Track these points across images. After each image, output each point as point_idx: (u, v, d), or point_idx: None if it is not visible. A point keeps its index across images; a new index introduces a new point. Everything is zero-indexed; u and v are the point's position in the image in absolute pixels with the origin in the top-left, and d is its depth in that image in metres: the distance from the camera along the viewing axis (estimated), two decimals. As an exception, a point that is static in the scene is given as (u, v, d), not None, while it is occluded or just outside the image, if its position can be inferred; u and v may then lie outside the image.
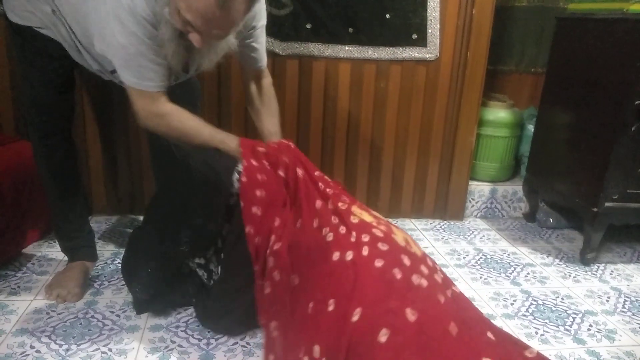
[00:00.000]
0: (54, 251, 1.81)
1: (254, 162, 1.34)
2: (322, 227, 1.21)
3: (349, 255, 1.11)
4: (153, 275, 1.41)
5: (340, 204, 1.30)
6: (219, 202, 1.33)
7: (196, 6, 1.13)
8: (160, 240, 1.38)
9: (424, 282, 1.11)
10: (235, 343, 1.37)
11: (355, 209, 1.29)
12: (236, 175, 1.32)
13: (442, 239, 2.18)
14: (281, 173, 1.35)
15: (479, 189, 2.42)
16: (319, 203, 1.29)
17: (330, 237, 1.18)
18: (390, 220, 1.35)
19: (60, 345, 1.32)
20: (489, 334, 1.13)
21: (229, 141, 1.38)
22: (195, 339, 1.38)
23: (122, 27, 1.22)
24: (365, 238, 1.16)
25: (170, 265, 1.43)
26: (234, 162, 1.34)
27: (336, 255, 1.12)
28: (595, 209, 1.91)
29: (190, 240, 1.39)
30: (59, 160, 1.56)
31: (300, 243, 1.22)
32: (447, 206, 2.36)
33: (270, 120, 1.63)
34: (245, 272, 1.32)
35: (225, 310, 1.37)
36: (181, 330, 1.41)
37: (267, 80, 1.65)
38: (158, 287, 1.42)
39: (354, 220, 1.22)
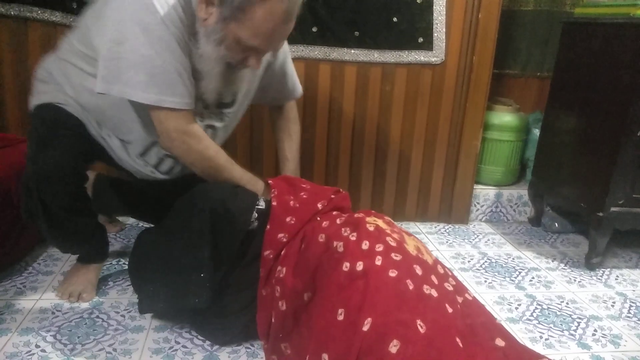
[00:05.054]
0: (59, 251, 1.82)
1: (287, 197, 1.35)
2: (332, 240, 1.20)
3: (360, 266, 1.10)
4: (166, 294, 1.38)
5: (356, 215, 1.31)
6: (233, 238, 1.31)
7: (264, 29, 1.16)
8: (172, 252, 1.36)
9: (434, 293, 1.10)
10: (240, 344, 1.38)
11: (369, 218, 1.29)
12: (255, 215, 1.31)
13: (447, 242, 2.18)
14: (319, 205, 1.34)
15: (484, 193, 2.42)
16: (326, 223, 1.29)
17: (340, 247, 1.17)
18: (394, 223, 1.35)
19: (65, 345, 1.32)
20: (498, 340, 1.13)
21: (255, 182, 1.38)
22: (200, 339, 1.38)
23: (146, 34, 1.15)
24: (379, 248, 1.15)
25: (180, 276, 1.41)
26: (254, 199, 1.32)
27: (346, 266, 1.12)
28: (600, 214, 1.90)
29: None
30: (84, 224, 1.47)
31: (308, 259, 1.22)
32: (452, 210, 2.36)
33: (288, 145, 1.65)
34: (246, 294, 1.33)
35: (223, 327, 1.37)
36: (185, 331, 1.41)
37: (291, 103, 1.68)
38: (165, 293, 1.41)
39: (369, 228, 1.21)
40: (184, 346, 1.35)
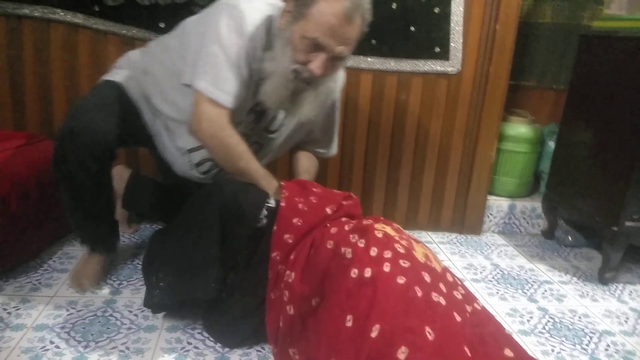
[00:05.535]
0: (74, 249, 1.85)
1: (297, 199, 1.36)
2: (340, 246, 1.21)
3: (368, 272, 1.11)
4: (172, 284, 1.40)
5: (364, 222, 1.31)
6: (241, 234, 1.33)
7: (324, 22, 1.27)
8: (182, 244, 1.38)
9: (442, 300, 1.10)
10: (251, 347, 1.38)
11: (378, 225, 1.29)
12: (264, 212, 1.32)
13: (459, 252, 2.17)
14: (329, 210, 1.35)
15: (498, 204, 2.41)
16: (334, 229, 1.29)
17: (349, 254, 1.17)
18: (407, 232, 1.35)
19: (79, 342, 1.34)
20: (507, 351, 1.12)
21: (270, 179, 1.42)
22: (211, 341, 1.39)
23: (223, 39, 1.32)
24: (388, 254, 1.15)
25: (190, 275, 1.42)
26: (264, 197, 1.34)
27: (354, 272, 1.12)
28: (615, 228, 1.89)
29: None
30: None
31: (317, 265, 1.22)
32: (465, 220, 2.35)
33: (307, 162, 1.73)
34: (256, 296, 1.33)
35: (233, 329, 1.37)
36: (197, 332, 1.42)
37: None
38: (172, 285, 1.42)
39: (378, 234, 1.22)
40: (195, 347, 1.36)
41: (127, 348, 1.33)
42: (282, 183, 1.41)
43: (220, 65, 1.33)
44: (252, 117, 1.53)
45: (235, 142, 1.38)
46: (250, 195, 1.32)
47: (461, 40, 2.12)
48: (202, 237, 1.30)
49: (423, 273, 1.13)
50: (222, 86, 1.34)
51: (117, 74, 1.59)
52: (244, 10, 1.34)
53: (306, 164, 1.73)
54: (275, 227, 1.30)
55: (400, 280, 1.09)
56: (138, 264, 1.77)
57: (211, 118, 1.35)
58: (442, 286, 1.14)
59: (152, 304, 1.42)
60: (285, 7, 1.36)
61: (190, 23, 1.51)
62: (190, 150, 1.53)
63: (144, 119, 1.57)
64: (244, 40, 1.34)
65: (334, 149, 1.81)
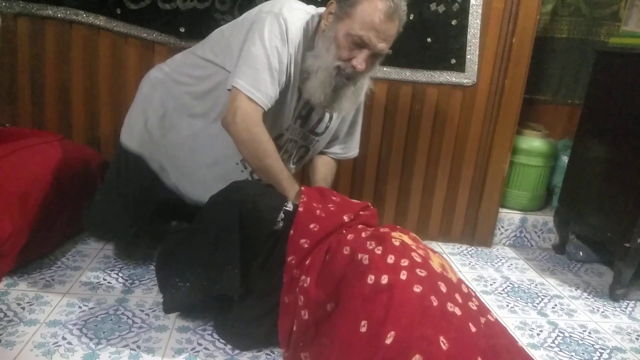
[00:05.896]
0: (88, 248, 1.87)
1: (315, 204, 1.37)
2: (357, 253, 1.21)
3: (385, 279, 1.11)
4: (198, 282, 1.39)
5: (381, 230, 1.32)
6: (258, 235, 1.34)
7: (368, 21, 1.35)
8: (202, 244, 1.39)
9: (458, 311, 1.10)
10: (260, 350, 1.39)
11: (395, 233, 1.30)
12: (281, 215, 1.34)
13: (469, 264, 2.17)
14: (346, 218, 1.36)
15: (509, 217, 2.40)
16: (351, 236, 1.30)
17: (365, 260, 1.18)
18: (420, 239, 1.35)
19: (91, 339, 1.35)
20: None
21: (292, 182, 1.44)
22: (221, 343, 1.40)
23: (266, 41, 1.39)
24: (405, 263, 1.15)
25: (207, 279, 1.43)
26: (282, 200, 1.36)
27: (371, 279, 1.13)
28: (627, 245, 1.88)
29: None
30: None
31: (333, 270, 1.23)
32: (476, 232, 2.35)
33: (321, 169, 1.77)
34: (269, 299, 1.34)
35: (245, 332, 1.38)
36: (208, 334, 1.43)
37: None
38: (203, 291, 1.43)
39: (395, 242, 1.22)
40: (205, 348, 1.37)
41: (138, 347, 1.34)
42: (303, 188, 1.42)
43: (260, 67, 1.39)
44: (299, 122, 1.60)
45: (265, 140, 1.42)
46: (269, 197, 1.34)
47: (477, 53, 2.13)
48: (222, 237, 1.31)
49: (439, 283, 1.14)
50: (260, 87, 1.39)
51: (136, 134, 1.64)
52: (288, 19, 1.41)
53: (323, 171, 1.75)
54: (291, 231, 1.31)
55: (417, 288, 1.09)
56: (150, 264, 1.79)
57: (246, 113, 1.39)
58: (457, 297, 1.14)
59: (171, 305, 1.43)
60: (329, 9, 1.43)
61: (226, 31, 1.56)
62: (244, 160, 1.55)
63: (165, 182, 1.65)
64: (286, 46, 1.41)
65: (355, 150, 1.84)
